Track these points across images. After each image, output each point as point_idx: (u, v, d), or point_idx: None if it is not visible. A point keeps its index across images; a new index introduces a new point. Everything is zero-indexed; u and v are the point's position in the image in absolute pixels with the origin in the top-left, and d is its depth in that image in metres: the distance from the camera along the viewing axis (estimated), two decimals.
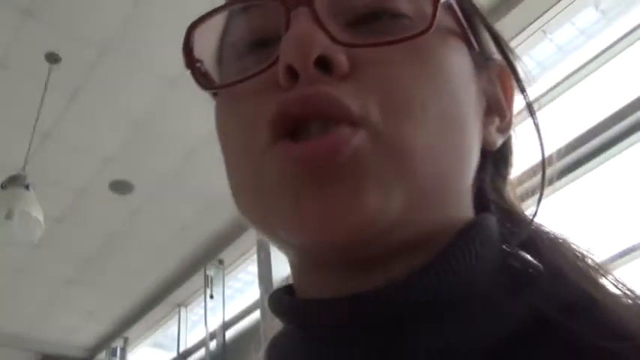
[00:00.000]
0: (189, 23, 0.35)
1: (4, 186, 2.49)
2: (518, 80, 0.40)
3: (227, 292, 3.96)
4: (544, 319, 0.29)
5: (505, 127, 0.39)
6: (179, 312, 4.42)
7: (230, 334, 3.82)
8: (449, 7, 0.34)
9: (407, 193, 0.30)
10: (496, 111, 0.39)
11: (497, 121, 0.39)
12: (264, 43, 0.35)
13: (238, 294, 4.11)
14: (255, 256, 3.51)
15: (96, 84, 2.86)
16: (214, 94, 0.38)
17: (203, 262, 3.96)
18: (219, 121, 0.37)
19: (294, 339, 0.33)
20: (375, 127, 0.30)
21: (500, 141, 0.39)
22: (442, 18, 0.32)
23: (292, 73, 0.30)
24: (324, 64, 0.30)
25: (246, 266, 3.95)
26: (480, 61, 0.37)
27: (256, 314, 3.52)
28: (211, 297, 3.90)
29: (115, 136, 3.15)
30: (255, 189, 0.32)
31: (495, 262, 0.33)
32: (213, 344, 3.87)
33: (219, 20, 0.38)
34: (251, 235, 3.01)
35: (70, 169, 3.33)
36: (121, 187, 3.46)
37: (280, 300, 0.35)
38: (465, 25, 0.35)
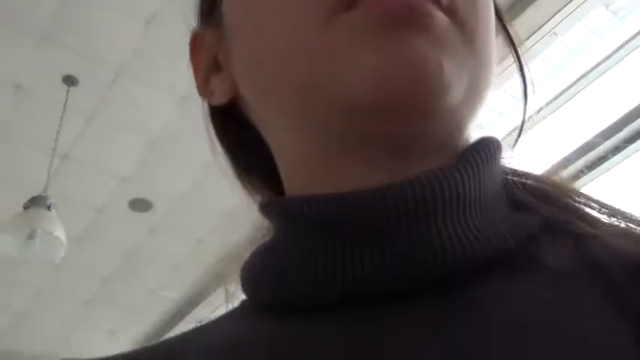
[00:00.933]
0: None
1: (26, 207, 2.53)
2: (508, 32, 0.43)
3: None
4: (546, 220, 0.32)
5: None
6: None
7: None
8: None
9: (470, 81, 0.31)
10: None
11: None
12: None
13: None
14: None
15: (112, 105, 2.91)
16: None
17: (223, 278, 3.96)
18: None
19: (302, 238, 0.32)
20: (460, 18, 0.31)
21: None
22: None
23: None
24: None
25: None
26: None
27: None
28: None
29: (133, 155, 3.19)
30: (312, 48, 0.31)
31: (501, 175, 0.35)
32: None
33: None
34: None
35: (90, 189, 3.38)
36: (140, 205, 3.50)
37: (291, 200, 0.34)
38: None
